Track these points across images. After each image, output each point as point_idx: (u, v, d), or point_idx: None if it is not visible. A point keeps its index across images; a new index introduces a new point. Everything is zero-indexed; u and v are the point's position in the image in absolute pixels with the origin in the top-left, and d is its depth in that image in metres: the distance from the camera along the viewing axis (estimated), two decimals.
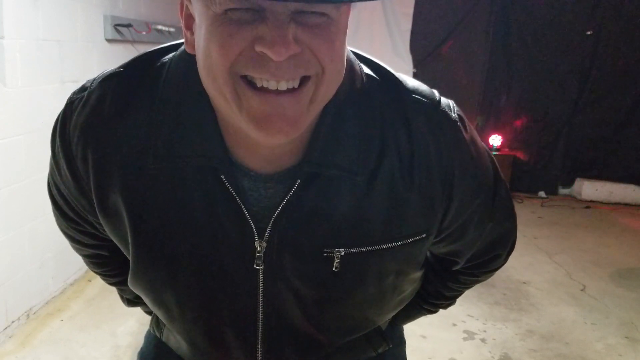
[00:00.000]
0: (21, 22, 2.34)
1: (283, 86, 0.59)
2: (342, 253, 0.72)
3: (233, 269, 0.74)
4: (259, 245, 0.72)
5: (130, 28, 3.19)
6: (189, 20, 0.65)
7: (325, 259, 0.72)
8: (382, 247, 0.73)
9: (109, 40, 3.08)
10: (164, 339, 0.95)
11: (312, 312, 0.78)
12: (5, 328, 2.38)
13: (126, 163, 0.71)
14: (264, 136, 0.61)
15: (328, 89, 0.62)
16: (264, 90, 0.59)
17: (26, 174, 2.46)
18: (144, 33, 3.35)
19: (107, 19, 3.02)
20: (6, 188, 2.35)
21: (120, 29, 3.13)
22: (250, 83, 0.59)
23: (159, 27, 3.56)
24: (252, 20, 0.56)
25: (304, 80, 0.60)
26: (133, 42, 3.33)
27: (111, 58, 3.10)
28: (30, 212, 2.50)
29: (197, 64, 0.64)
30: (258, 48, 0.56)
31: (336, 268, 0.72)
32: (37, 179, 2.52)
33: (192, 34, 0.64)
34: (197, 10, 0.61)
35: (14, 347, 2.34)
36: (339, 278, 0.74)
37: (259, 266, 0.73)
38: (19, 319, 2.47)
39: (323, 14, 0.57)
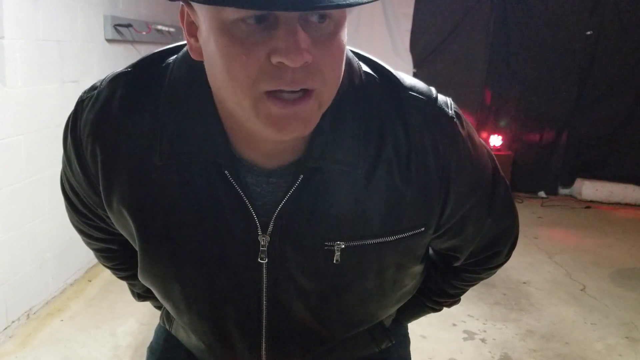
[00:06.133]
0: (21, 22, 2.34)
1: (297, 90, 0.60)
2: (343, 246, 0.74)
3: (237, 263, 0.76)
4: (263, 239, 0.74)
5: (130, 28, 3.19)
6: (192, 27, 0.66)
7: (327, 251, 0.75)
8: (382, 240, 0.75)
9: (109, 40, 3.08)
10: (173, 332, 0.98)
11: (315, 305, 0.80)
12: (5, 328, 2.38)
13: (133, 160, 0.74)
14: (280, 136, 0.64)
15: (331, 93, 0.65)
16: (281, 97, 0.61)
17: (26, 174, 2.45)
18: (144, 33, 3.34)
19: (107, 19, 3.02)
20: (6, 188, 2.35)
21: (120, 29, 3.13)
22: (268, 92, 0.61)
23: (159, 27, 3.55)
24: (263, 31, 0.57)
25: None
26: (133, 42, 3.33)
27: (111, 58, 3.10)
28: (30, 212, 2.50)
29: (208, 72, 0.66)
30: (275, 59, 0.57)
31: (337, 261, 0.75)
32: (37, 179, 2.52)
33: (197, 41, 0.66)
34: (202, 17, 0.62)
35: (14, 347, 2.34)
36: (340, 270, 0.76)
37: (262, 260, 0.75)
38: (19, 319, 2.47)
39: (323, 17, 0.59)
